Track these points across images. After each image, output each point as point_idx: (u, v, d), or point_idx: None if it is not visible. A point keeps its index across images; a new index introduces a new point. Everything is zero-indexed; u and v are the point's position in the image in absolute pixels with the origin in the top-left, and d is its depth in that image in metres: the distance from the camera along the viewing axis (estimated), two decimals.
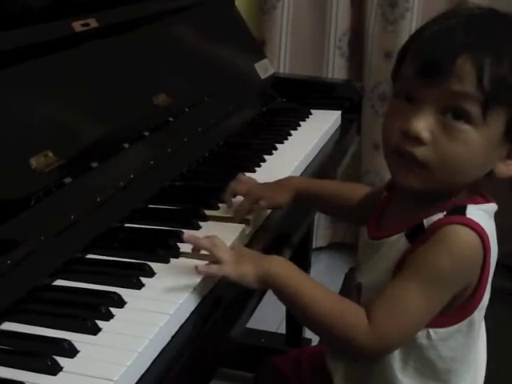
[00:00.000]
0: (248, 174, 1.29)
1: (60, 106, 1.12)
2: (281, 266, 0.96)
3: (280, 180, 1.22)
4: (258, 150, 1.45)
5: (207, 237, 0.96)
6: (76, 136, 1.12)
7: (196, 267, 0.93)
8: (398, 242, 0.95)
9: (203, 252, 0.96)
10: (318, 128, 1.65)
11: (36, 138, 1.03)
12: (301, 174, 1.39)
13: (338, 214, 1.32)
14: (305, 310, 0.93)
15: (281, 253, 1.11)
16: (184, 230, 1.06)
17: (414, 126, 0.87)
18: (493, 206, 0.95)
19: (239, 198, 1.17)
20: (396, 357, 0.96)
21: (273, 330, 2.22)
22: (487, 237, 0.89)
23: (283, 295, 0.94)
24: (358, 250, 1.09)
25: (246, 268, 0.94)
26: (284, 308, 2.02)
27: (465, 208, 0.90)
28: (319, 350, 1.21)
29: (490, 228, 0.91)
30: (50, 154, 1.01)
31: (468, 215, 0.89)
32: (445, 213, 0.90)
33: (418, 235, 0.91)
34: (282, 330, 2.17)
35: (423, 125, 0.87)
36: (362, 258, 1.06)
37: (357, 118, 1.84)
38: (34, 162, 0.98)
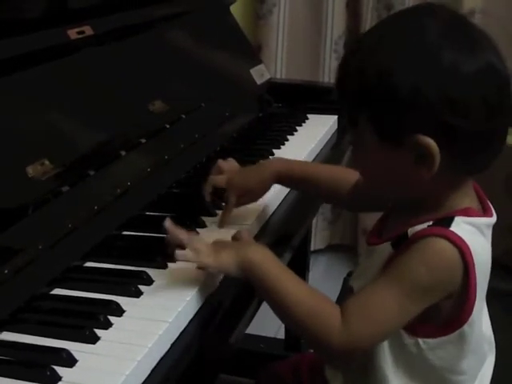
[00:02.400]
0: None
1: (56, 114, 1.11)
2: (261, 254, 0.95)
3: (259, 165, 1.23)
4: (255, 156, 1.44)
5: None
6: (72, 144, 1.12)
7: (175, 253, 0.93)
8: (385, 250, 0.95)
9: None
10: (315, 133, 1.65)
11: (32, 147, 1.02)
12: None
13: (326, 198, 1.31)
14: (282, 303, 0.92)
15: (281, 255, 1.11)
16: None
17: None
18: (486, 220, 0.94)
19: None
20: (388, 360, 0.96)
21: (271, 335, 2.21)
22: (469, 250, 0.88)
23: (262, 284, 0.93)
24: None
25: (225, 257, 0.94)
26: None
27: (451, 220, 0.89)
28: (318, 356, 1.21)
29: (475, 242, 0.89)
30: (47, 162, 1.01)
31: (452, 228, 0.88)
32: (430, 223, 0.90)
33: (401, 243, 0.91)
34: (281, 335, 2.17)
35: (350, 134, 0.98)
36: (360, 262, 1.06)
37: None
38: (30, 170, 0.98)
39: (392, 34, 0.90)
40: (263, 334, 2.14)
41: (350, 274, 1.09)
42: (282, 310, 0.93)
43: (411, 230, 0.91)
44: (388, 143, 0.88)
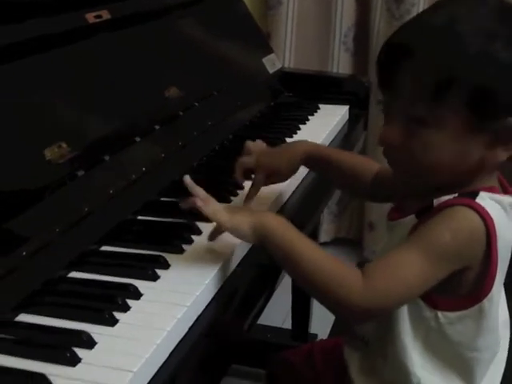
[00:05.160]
0: None
1: (73, 98, 1.11)
2: (277, 220, 0.96)
3: (288, 145, 1.24)
4: (267, 144, 1.44)
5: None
6: (88, 128, 1.12)
7: (195, 203, 0.94)
8: (409, 223, 0.96)
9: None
10: (327, 122, 1.65)
11: (50, 130, 1.02)
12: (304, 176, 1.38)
13: (347, 187, 1.31)
14: (299, 267, 0.92)
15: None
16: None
17: (382, 135, 0.94)
18: (510, 199, 0.95)
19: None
20: (408, 334, 0.97)
21: (278, 325, 2.21)
22: (492, 223, 0.89)
23: (277, 249, 0.93)
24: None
25: (240, 218, 0.94)
26: (289, 303, 2.06)
27: (476, 194, 0.91)
28: (330, 344, 1.22)
29: (499, 217, 0.91)
30: (64, 145, 1.01)
31: (477, 200, 0.90)
32: (455, 195, 0.92)
33: (426, 213, 0.93)
34: (287, 325, 2.17)
35: (389, 131, 0.93)
36: (382, 240, 1.06)
37: (364, 112, 1.84)
38: (48, 153, 0.98)
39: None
40: (270, 324, 2.14)
41: (360, 265, 1.09)
42: (299, 274, 0.94)
43: (436, 201, 0.93)
44: (476, 125, 0.89)
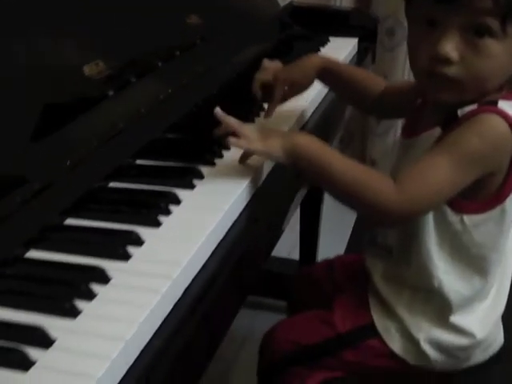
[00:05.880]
0: None
1: (106, 21, 1.15)
2: (308, 137, 1.01)
3: (302, 59, 1.27)
4: None
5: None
6: (119, 49, 1.15)
7: (228, 139, 0.98)
8: (432, 135, 1.01)
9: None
10: (337, 54, 1.68)
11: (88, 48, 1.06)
12: (320, 101, 1.43)
13: (357, 101, 1.35)
14: (333, 179, 0.97)
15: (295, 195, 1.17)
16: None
17: (443, 49, 0.94)
18: None
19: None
20: (432, 240, 1.03)
21: (284, 255, 2.27)
22: None
23: (310, 165, 0.98)
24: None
25: (273, 141, 0.99)
26: (297, 234, 2.12)
27: (496, 102, 0.96)
28: (350, 259, 1.28)
29: None
30: (101, 63, 1.05)
31: (499, 106, 0.95)
32: (476, 105, 0.97)
33: (452, 123, 0.97)
34: (294, 256, 2.23)
35: (450, 46, 0.93)
36: (397, 158, 1.13)
37: (372, 46, 1.88)
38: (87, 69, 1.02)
39: None
40: (275, 255, 2.20)
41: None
42: (334, 186, 0.99)
43: (461, 111, 0.97)
44: None
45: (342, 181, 0.97)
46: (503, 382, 1.16)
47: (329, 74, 1.27)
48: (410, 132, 1.09)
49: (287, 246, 2.30)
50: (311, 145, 0.99)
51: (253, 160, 1.04)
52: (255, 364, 1.27)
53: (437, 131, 1.01)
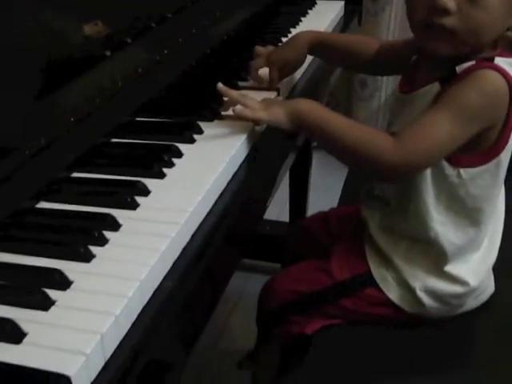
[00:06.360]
0: None
1: None
2: (309, 102, 1.05)
3: (292, 37, 1.30)
4: (273, 33, 1.51)
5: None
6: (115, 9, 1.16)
7: (233, 110, 1.02)
8: (431, 90, 1.04)
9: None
10: (324, 17, 1.71)
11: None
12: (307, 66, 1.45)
13: (352, 65, 1.38)
14: (335, 139, 1.02)
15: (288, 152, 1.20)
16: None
17: (441, 1, 0.96)
18: None
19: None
20: (430, 193, 1.07)
21: (274, 218, 2.30)
22: None
23: (313, 128, 1.03)
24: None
25: (276, 109, 1.03)
26: (285, 197, 2.15)
27: (493, 59, 0.99)
28: (345, 211, 1.32)
29: None
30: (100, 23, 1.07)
31: (496, 63, 0.99)
32: (474, 62, 1.00)
33: (450, 80, 1.01)
34: (284, 217, 2.27)
35: None
36: (393, 113, 1.16)
37: (358, 8, 1.90)
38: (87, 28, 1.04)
39: None
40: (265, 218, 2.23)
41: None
42: (337, 145, 1.03)
43: (459, 68, 1.00)
44: None
45: (344, 140, 1.01)
46: (493, 326, 1.20)
47: (320, 47, 1.29)
48: (407, 87, 1.12)
49: (276, 210, 2.34)
50: (313, 109, 1.03)
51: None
52: (252, 320, 1.31)
53: (435, 87, 1.04)
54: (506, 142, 1.03)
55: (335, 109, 2.89)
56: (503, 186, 1.13)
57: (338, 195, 1.58)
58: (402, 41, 1.24)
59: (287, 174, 2.11)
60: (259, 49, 1.29)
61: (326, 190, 2.22)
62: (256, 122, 1.04)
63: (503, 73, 0.97)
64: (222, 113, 1.09)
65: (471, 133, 0.99)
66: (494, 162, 1.05)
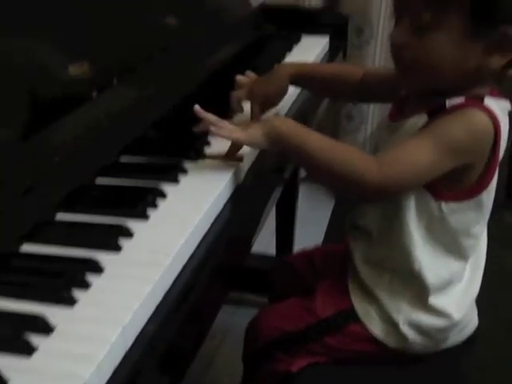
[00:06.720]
0: None
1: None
2: (287, 122, 1.05)
3: (274, 70, 1.31)
4: (258, 69, 1.52)
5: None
6: (100, 50, 1.17)
7: (209, 128, 1.02)
8: (418, 121, 1.05)
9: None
10: (309, 51, 1.73)
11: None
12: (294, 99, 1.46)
13: (336, 93, 1.38)
14: (314, 158, 1.02)
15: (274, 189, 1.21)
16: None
17: (392, 34, 1.03)
18: (506, 104, 1.05)
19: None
20: (414, 224, 1.08)
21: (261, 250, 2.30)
22: (499, 124, 1.00)
23: (291, 147, 1.03)
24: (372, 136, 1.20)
25: (254, 130, 1.03)
26: (272, 231, 2.16)
27: (482, 98, 1.01)
28: (330, 248, 1.33)
29: (501, 119, 1.01)
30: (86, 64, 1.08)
31: (486, 104, 1.00)
32: (464, 98, 1.01)
33: (438, 113, 1.02)
34: (270, 252, 2.27)
35: (396, 32, 1.03)
36: (380, 140, 1.18)
37: (343, 43, 1.93)
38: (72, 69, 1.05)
39: None
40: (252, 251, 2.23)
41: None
42: (316, 166, 1.03)
43: (449, 102, 1.02)
44: (476, 30, 0.97)
45: (322, 159, 1.01)
46: (477, 363, 1.21)
47: (303, 78, 1.30)
48: (396, 116, 1.14)
49: (263, 243, 2.33)
50: (291, 128, 1.04)
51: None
52: (238, 356, 1.31)
53: (423, 118, 1.05)
54: (488, 183, 1.05)
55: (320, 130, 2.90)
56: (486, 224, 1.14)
57: (325, 227, 1.59)
58: (387, 71, 1.25)
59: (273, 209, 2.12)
60: (240, 78, 1.30)
61: (312, 222, 2.23)
62: (234, 144, 1.05)
63: (491, 115, 0.99)
64: (207, 152, 1.10)
65: (450, 166, 1.00)
66: (475, 199, 1.06)
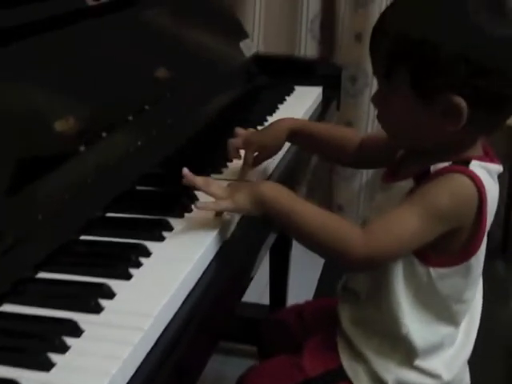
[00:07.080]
0: None
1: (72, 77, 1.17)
2: (274, 188, 1.04)
3: (273, 123, 1.31)
4: (249, 122, 1.52)
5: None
6: (86, 106, 1.17)
7: (195, 203, 1.03)
8: (406, 186, 1.05)
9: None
10: (302, 103, 1.73)
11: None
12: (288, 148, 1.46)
13: (333, 160, 1.41)
14: (301, 227, 1.01)
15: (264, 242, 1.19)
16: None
17: (372, 96, 1.08)
18: (496, 167, 1.05)
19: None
20: (402, 289, 1.06)
21: (254, 301, 2.28)
22: (484, 190, 0.99)
23: (278, 215, 1.02)
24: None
25: (240, 197, 1.02)
26: (266, 279, 2.14)
27: (469, 162, 1.01)
28: (321, 303, 1.31)
29: (488, 183, 1.01)
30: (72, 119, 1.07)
31: (470, 168, 1.00)
32: (451, 162, 1.01)
33: (424, 178, 1.02)
34: (264, 300, 2.25)
35: (374, 96, 1.07)
36: (375, 199, 1.18)
37: (336, 93, 1.93)
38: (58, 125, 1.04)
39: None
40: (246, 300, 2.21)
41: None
42: (302, 234, 1.02)
43: (434, 168, 1.02)
44: (422, 98, 0.99)
45: (309, 228, 1.00)
46: None
47: (301, 136, 1.30)
48: (388, 177, 1.14)
49: (257, 291, 2.31)
50: (278, 194, 1.03)
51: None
52: None
53: (410, 182, 1.05)
54: (476, 248, 1.04)
55: (317, 189, 2.91)
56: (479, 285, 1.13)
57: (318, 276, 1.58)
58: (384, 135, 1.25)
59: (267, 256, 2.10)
60: (239, 130, 1.29)
61: (306, 270, 2.21)
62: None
63: (475, 180, 0.99)
64: (193, 206, 1.09)
65: (436, 233, 0.99)
66: (463, 265, 1.05)
